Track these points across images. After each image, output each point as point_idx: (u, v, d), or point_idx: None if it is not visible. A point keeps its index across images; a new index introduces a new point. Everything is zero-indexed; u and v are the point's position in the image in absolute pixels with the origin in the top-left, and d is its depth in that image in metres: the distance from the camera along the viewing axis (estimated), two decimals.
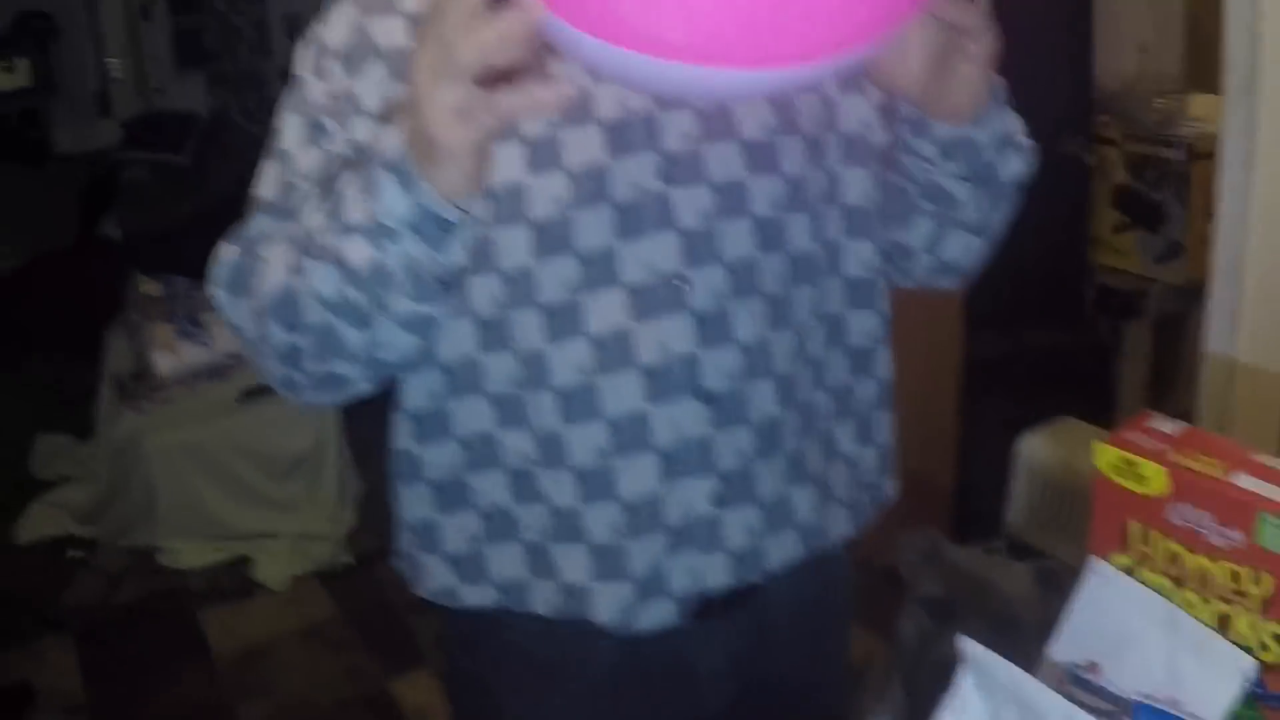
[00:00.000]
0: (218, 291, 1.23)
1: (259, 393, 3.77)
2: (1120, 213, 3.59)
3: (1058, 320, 3.51)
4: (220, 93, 7.74)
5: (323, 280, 1.09)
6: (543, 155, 1.18)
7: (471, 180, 1.00)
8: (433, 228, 1.02)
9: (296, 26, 7.87)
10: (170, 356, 3.90)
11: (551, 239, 1.19)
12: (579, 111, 1.18)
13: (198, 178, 6.67)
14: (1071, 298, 3.57)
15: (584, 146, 1.18)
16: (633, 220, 1.20)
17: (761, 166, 1.23)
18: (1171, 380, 3.69)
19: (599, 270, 1.20)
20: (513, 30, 0.87)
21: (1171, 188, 3.48)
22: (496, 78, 0.91)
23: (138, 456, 3.88)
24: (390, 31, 1.20)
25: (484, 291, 1.21)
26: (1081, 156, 3.45)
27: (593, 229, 1.19)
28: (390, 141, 1.01)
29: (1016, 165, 1.30)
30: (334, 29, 1.23)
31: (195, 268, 4.58)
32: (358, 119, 1.19)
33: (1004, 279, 3.04)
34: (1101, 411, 3.59)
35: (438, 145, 0.96)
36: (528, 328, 1.21)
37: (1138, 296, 3.58)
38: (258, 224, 1.23)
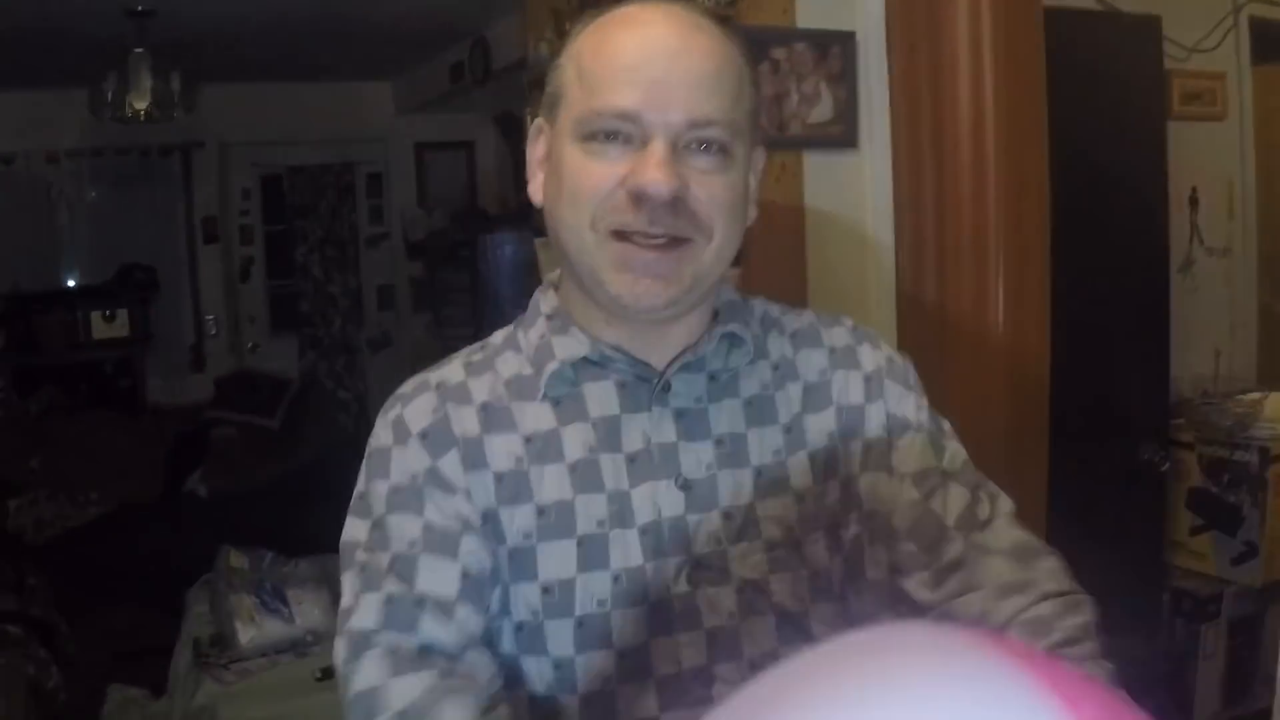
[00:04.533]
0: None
1: None
2: (1196, 515, 3.61)
3: (1134, 627, 3.50)
4: (311, 356, 8.00)
5: None
6: (591, 554, 1.28)
7: None
8: None
9: (389, 298, 8.19)
10: (252, 628, 3.93)
11: (591, 634, 1.27)
12: (621, 513, 1.28)
13: (286, 443, 6.81)
14: (1148, 604, 3.57)
15: (627, 548, 1.28)
16: (663, 620, 1.27)
17: (784, 565, 1.31)
18: (1249, 680, 3.65)
19: (634, 664, 1.27)
20: None
21: (1247, 490, 3.50)
22: None
23: None
24: (464, 420, 1.30)
25: (534, 673, 1.29)
26: (1156, 463, 3.49)
27: (630, 627, 1.27)
28: None
29: None
30: (415, 414, 1.32)
31: (280, 539, 4.61)
32: (451, 495, 1.27)
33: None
34: (1180, 714, 3.55)
35: None
36: (569, 713, 1.28)
37: (1214, 599, 3.57)
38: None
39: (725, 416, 1.33)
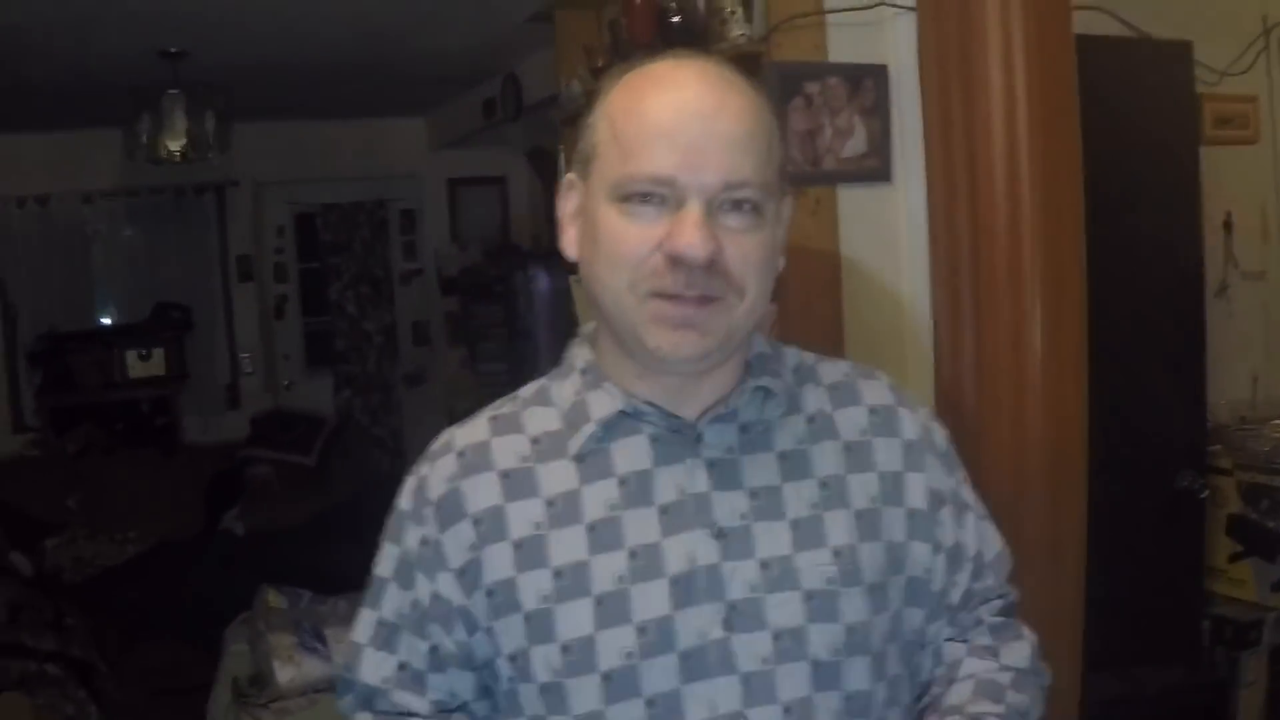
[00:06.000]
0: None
1: None
2: (1235, 542, 3.58)
3: (1174, 656, 3.48)
4: (346, 393, 8.02)
5: None
6: (612, 610, 1.29)
7: None
8: None
9: (424, 334, 8.22)
10: (291, 668, 3.95)
11: (620, 686, 1.28)
12: (648, 567, 1.30)
13: (322, 480, 6.83)
14: (1188, 632, 3.54)
15: (652, 600, 1.29)
16: (697, 666, 1.28)
17: (822, 615, 1.31)
18: None
19: (664, 711, 1.28)
20: None
21: None
22: None
23: None
24: (480, 490, 1.34)
25: None
26: (1194, 490, 3.46)
27: (660, 676, 1.28)
28: None
29: None
30: (435, 479, 1.38)
31: (317, 578, 4.62)
32: (442, 573, 1.34)
33: (1119, 620, 3.03)
34: None
35: None
36: None
37: (1254, 626, 3.54)
38: (366, 663, 1.40)
39: (760, 469, 1.35)
